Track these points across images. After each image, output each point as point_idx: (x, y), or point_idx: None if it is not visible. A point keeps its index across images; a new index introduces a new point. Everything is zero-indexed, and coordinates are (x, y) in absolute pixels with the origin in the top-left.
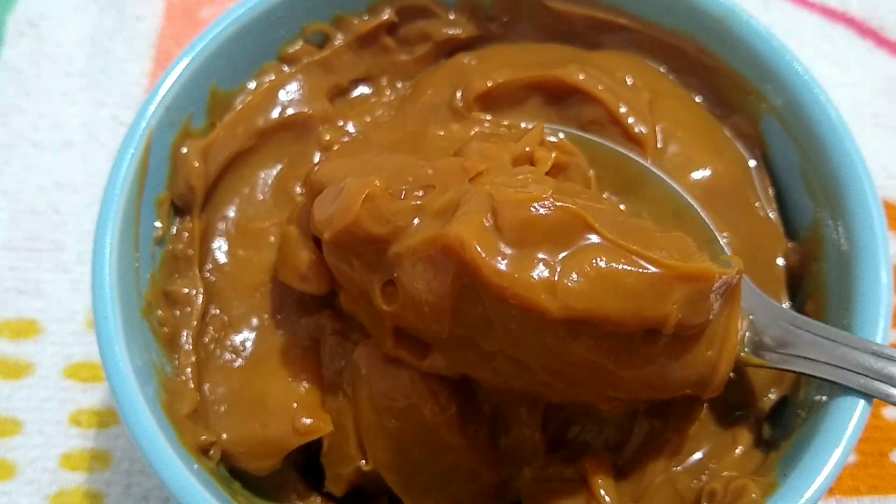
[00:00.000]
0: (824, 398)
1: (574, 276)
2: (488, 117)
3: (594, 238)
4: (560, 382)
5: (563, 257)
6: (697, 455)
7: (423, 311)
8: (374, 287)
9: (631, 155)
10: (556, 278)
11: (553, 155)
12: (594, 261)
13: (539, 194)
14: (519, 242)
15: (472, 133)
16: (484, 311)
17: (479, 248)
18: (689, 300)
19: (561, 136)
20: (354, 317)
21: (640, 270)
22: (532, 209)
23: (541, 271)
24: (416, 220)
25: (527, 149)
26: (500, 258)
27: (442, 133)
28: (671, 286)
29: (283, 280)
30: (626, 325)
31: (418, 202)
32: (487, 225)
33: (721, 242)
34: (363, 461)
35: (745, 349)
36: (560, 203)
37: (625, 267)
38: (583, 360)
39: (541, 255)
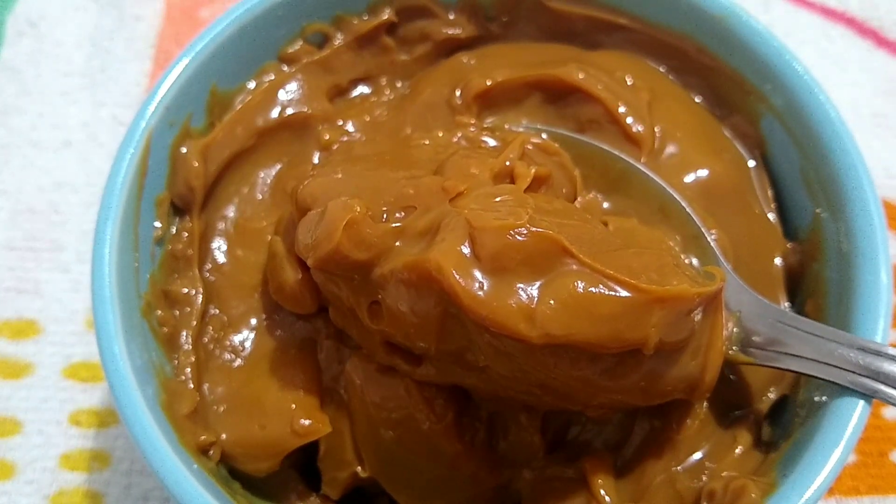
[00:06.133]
0: (824, 398)
1: (552, 302)
2: (473, 120)
3: (572, 263)
4: (548, 394)
5: (542, 283)
6: (697, 455)
7: (408, 331)
8: (361, 306)
9: (615, 152)
10: (534, 305)
11: (533, 171)
12: (572, 286)
13: (515, 221)
14: (497, 270)
15: (455, 139)
16: (468, 331)
17: (457, 276)
18: (669, 321)
19: (544, 136)
20: (345, 330)
21: (618, 295)
22: (509, 236)
23: (519, 299)
24: (397, 243)
25: (507, 163)
26: (478, 286)
27: (427, 142)
28: (649, 310)
29: (273, 297)
30: (606, 348)
31: (399, 224)
32: (465, 252)
33: (708, 238)
34: (359, 467)
35: (734, 347)
36: (537, 229)
37: (602, 292)
38: (567, 376)
39: (519, 282)
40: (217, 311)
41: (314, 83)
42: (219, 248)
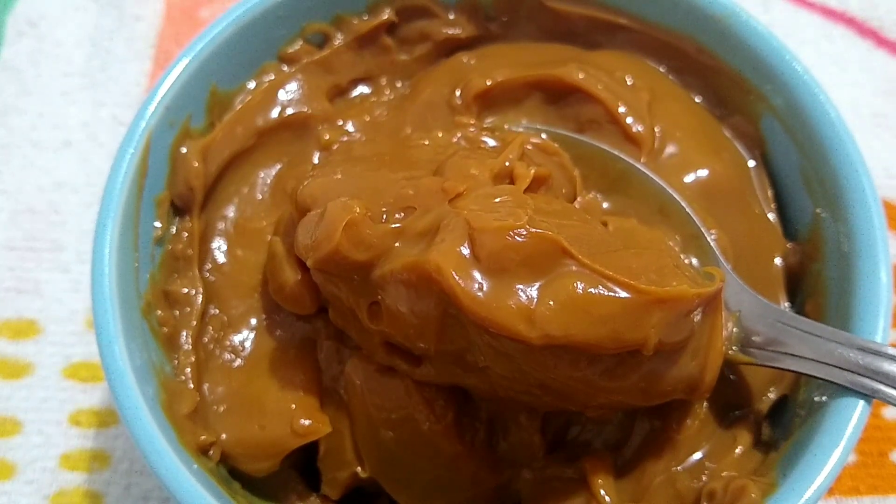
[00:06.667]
0: (824, 398)
1: (551, 303)
2: (473, 121)
3: (571, 264)
4: (548, 395)
5: (541, 284)
6: (697, 455)
7: (408, 332)
8: (361, 307)
9: (615, 152)
10: (533, 306)
11: (532, 171)
12: (571, 287)
13: (515, 222)
14: (497, 271)
15: (455, 139)
16: (468, 332)
17: (456, 277)
18: (668, 322)
19: (544, 136)
20: (344, 331)
21: (617, 296)
22: (509, 237)
23: (518, 299)
24: (397, 244)
25: (507, 164)
26: (477, 287)
27: (426, 142)
28: (649, 310)
29: (273, 297)
30: (605, 349)
31: (399, 225)
32: (465, 253)
33: (708, 238)
34: (359, 468)
35: (734, 347)
36: (536, 230)
37: (602, 293)
38: (567, 376)
39: (518, 283)
40: (217, 311)
41: (314, 83)
42: (219, 248)
